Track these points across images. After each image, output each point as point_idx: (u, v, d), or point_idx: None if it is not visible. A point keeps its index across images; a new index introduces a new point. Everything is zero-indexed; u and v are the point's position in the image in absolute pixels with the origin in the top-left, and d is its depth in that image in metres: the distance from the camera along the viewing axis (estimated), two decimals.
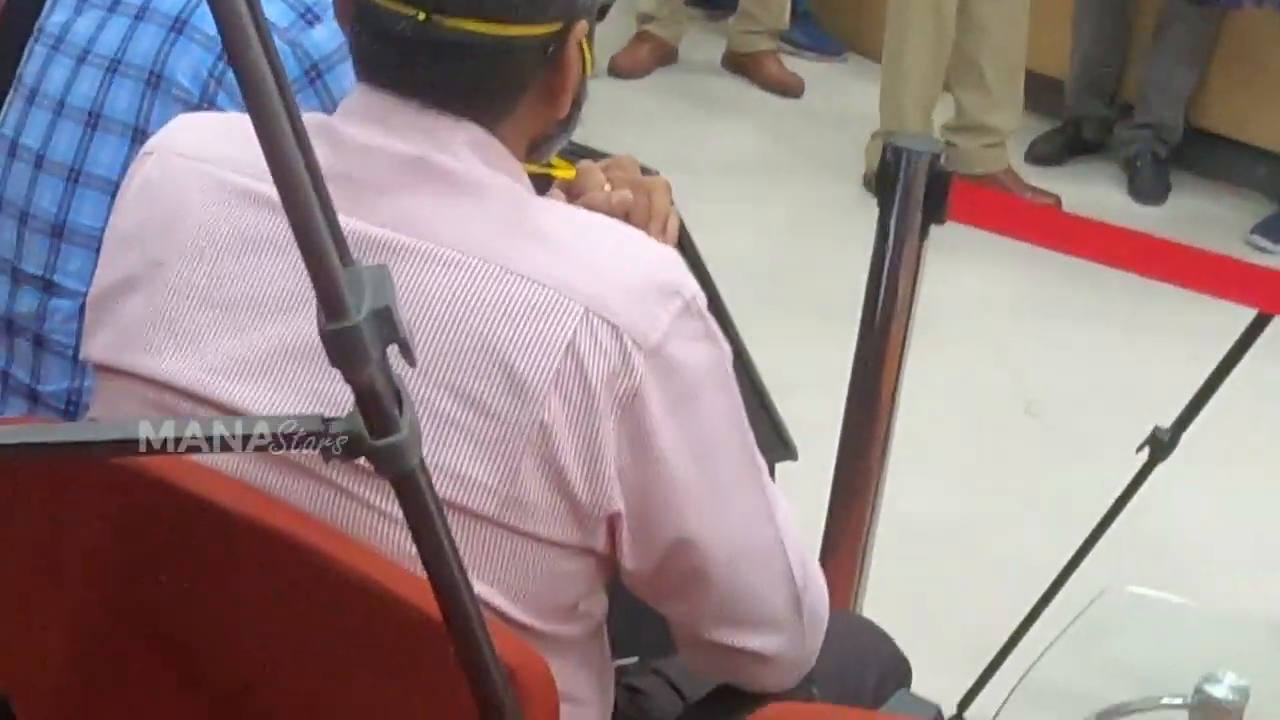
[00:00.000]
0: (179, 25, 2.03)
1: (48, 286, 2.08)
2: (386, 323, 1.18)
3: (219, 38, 1.99)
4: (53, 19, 2.14)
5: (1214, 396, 2.73)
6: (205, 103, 2.02)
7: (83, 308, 2.01)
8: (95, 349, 1.63)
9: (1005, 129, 4.95)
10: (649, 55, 5.71)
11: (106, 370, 1.61)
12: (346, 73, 1.98)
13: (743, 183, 5.02)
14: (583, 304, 1.46)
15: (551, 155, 1.67)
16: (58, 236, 2.07)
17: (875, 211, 2.52)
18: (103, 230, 1.98)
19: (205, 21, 2.01)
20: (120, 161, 2.03)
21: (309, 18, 2.02)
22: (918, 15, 4.82)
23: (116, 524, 1.54)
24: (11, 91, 2.16)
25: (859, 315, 2.59)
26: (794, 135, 5.38)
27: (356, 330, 1.17)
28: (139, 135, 2.02)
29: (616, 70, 5.62)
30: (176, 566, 1.53)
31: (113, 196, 1.99)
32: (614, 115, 5.03)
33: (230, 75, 1.99)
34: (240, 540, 1.47)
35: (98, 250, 1.99)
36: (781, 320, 4.05)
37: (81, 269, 2.05)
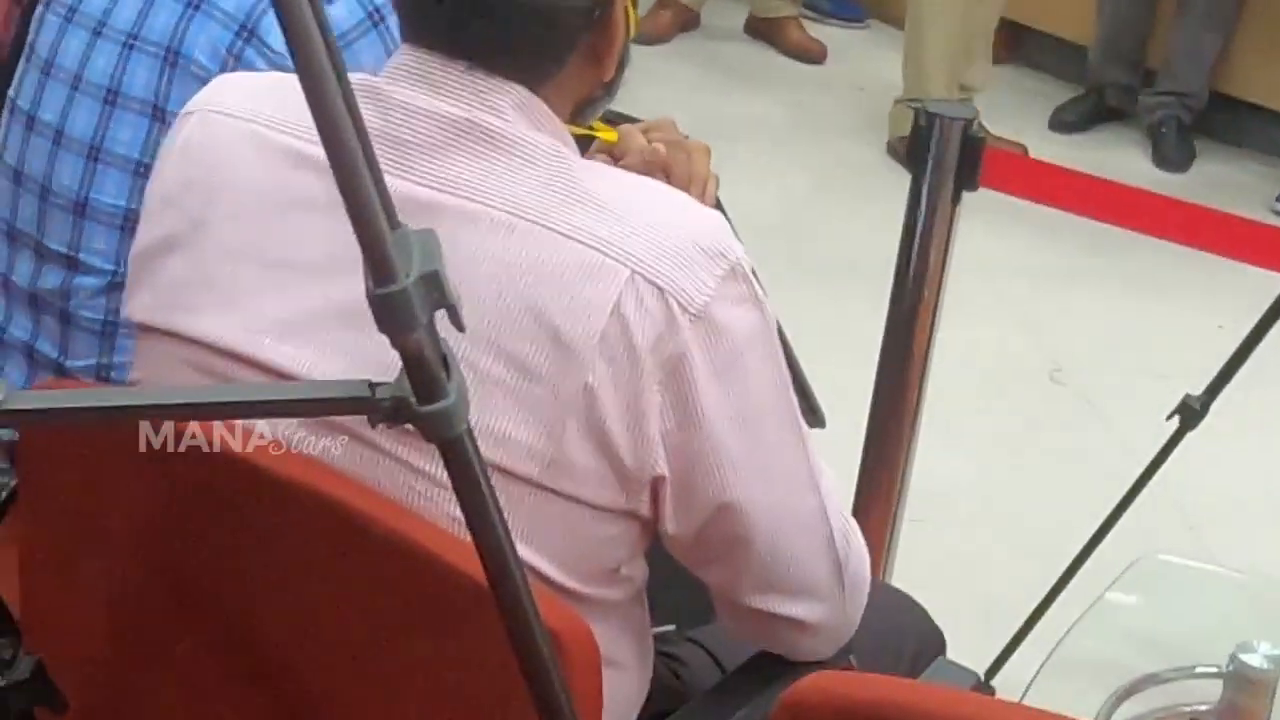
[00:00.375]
0: (196, 1, 2.01)
1: (72, 264, 2.07)
2: (435, 287, 1.16)
3: (236, 14, 1.99)
4: None
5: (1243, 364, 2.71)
6: None
7: (109, 285, 2.01)
8: (136, 309, 1.62)
9: (978, 86, 4.93)
10: (671, 21, 5.67)
11: (147, 330, 1.60)
12: (365, 50, 1.97)
13: (765, 150, 5.00)
14: (629, 266, 1.45)
15: (595, 118, 1.66)
16: (79, 214, 2.05)
17: (898, 178, 2.51)
18: (125, 209, 1.99)
19: None
20: (140, 140, 2.01)
21: None
22: None
23: (158, 489, 1.53)
24: (24, 60, 2.13)
25: (882, 282, 2.57)
26: (816, 102, 5.35)
27: (404, 294, 1.15)
28: (158, 114, 2.00)
29: (638, 36, 5.56)
30: (219, 531, 1.52)
31: (134, 175, 1.99)
32: (636, 81, 4.96)
33: (249, 53, 1.98)
34: (284, 504, 1.46)
35: (121, 228, 2.00)
36: (804, 287, 4.03)
37: (105, 247, 2.04)
